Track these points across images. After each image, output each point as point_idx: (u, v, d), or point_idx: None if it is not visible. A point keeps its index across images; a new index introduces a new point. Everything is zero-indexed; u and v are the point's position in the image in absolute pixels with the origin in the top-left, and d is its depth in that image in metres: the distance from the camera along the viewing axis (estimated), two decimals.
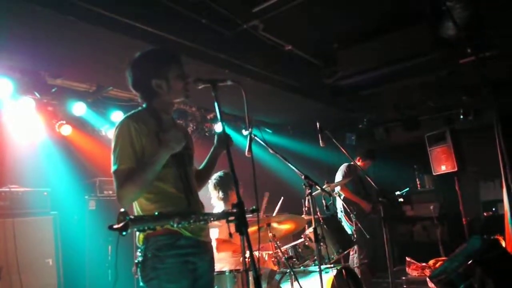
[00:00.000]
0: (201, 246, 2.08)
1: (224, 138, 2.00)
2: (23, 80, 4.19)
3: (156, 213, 1.70)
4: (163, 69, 2.12)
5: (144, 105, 2.19)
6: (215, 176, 3.90)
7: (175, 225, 1.63)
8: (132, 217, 1.53)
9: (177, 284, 1.95)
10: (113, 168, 1.97)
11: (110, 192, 4.89)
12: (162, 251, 1.94)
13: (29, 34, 3.39)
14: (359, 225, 4.59)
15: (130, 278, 2.00)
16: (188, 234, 2.01)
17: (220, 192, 3.86)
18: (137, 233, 2.01)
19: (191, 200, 2.08)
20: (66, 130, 4.91)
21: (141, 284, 1.97)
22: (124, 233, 1.50)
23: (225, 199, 3.85)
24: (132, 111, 2.13)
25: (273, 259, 3.70)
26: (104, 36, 3.46)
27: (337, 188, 5.15)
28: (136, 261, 1.97)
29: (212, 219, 1.77)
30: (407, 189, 5.18)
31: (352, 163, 5.40)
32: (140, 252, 1.98)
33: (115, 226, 1.49)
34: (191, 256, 2.02)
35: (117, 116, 5.09)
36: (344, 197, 5.30)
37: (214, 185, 3.89)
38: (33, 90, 4.35)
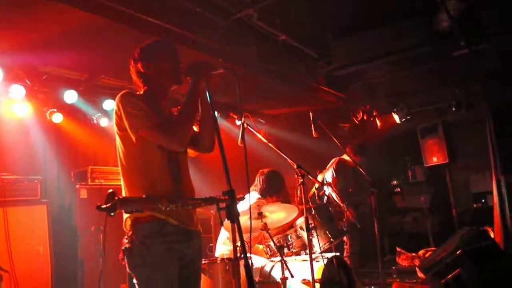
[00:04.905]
0: (188, 234, 2.06)
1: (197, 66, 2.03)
2: (13, 67, 4.13)
3: (144, 196, 1.71)
4: (148, 50, 2.17)
5: (141, 92, 2.20)
6: (269, 171, 3.99)
7: (162, 208, 1.64)
8: (120, 197, 1.54)
9: (164, 271, 1.95)
10: (144, 127, 1.93)
11: (102, 180, 4.84)
12: (149, 238, 1.93)
13: (20, 20, 3.35)
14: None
15: (123, 267, 2.00)
16: (174, 222, 1.98)
17: (264, 189, 3.93)
18: (124, 217, 2.00)
19: (179, 184, 2.07)
20: (57, 118, 4.86)
21: (128, 271, 1.97)
22: (112, 213, 1.50)
23: (264, 195, 3.92)
24: (130, 91, 2.12)
25: (264, 248, 3.73)
26: (95, 23, 3.42)
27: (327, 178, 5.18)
28: (123, 248, 1.97)
29: (200, 203, 1.78)
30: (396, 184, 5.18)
31: (343, 156, 5.44)
32: (127, 239, 1.97)
33: (103, 206, 1.50)
34: (178, 243, 2.01)
35: (109, 104, 5.05)
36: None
37: (263, 178, 3.95)
38: (23, 77, 4.31)
